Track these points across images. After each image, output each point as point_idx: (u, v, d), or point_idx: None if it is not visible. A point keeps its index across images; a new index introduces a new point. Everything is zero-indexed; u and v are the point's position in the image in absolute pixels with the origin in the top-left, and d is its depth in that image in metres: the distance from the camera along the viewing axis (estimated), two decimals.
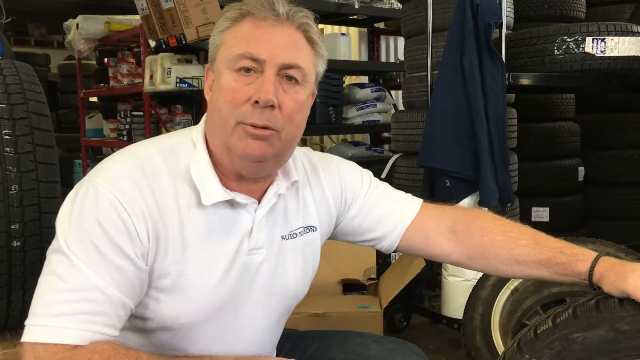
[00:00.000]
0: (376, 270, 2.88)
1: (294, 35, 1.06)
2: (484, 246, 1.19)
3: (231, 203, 1.08)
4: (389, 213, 1.25)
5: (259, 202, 1.12)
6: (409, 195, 1.31)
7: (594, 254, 1.07)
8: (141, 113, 5.20)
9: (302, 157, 1.24)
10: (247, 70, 1.02)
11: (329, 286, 2.78)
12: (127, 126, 5.36)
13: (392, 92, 5.96)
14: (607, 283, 1.01)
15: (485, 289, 2.01)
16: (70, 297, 0.93)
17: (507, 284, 2.00)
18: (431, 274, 3.04)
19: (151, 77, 4.58)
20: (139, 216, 0.99)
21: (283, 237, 1.15)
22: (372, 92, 5.30)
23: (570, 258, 1.09)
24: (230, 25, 1.06)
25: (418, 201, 1.29)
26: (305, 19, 1.07)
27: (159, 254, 1.02)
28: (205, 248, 1.05)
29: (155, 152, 1.06)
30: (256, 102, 1.01)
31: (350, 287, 2.86)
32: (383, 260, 2.99)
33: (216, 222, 1.07)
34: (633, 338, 0.92)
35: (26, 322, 0.94)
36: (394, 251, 1.29)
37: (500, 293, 2.00)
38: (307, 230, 1.19)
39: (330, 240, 3.23)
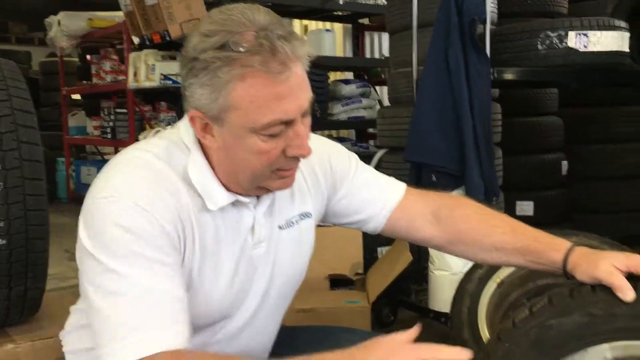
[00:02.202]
0: (363, 265, 2.88)
1: (301, 73, 1.00)
2: (464, 232, 1.22)
3: (234, 204, 1.09)
4: (375, 195, 1.27)
5: (258, 198, 1.13)
6: (393, 179, 1.33)
7: (568, 244, 1.10)
8: (125, 110, 5.17)
9: None
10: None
11: (316, 282, 2.78)
12: (110, 124, 5.33)
13: (377, 88, 5.98)
14: (580, 271, 1.04)
15: (472, 282, 2.03)
16: (138, 307, 0.93)
17: (494, 277, 2.02)
18: (418, 268, 3.05)
19: (135, 74, 4.55)
20: (165, 216, 0.99)
21: (280, 227, 1.16)
22: (357, 88, 5.31)
23: (546, 247, 1.12)
24: (232, 83, 0.96)
25: (403, 185, 1.31)
26: (302, 48, 0.99)
27: (184, 253, 1.03)
28: (216, 250, 1.07)
29: (152, 157, 1.04)
30: (295, 157, 1.02)
31: (337, 282, 2.86)
32: (370, 255, 3.00)
33: (222, 224, 1.08)
34: (605, 322, 0.96)
35: (104, 353, 0.93)
36: (379, 233, 1.30)
37: (487, 286, 2.01)
38: (303, 217, 1.19)
39: (315, 236, 3.22)
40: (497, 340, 1.03)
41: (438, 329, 2.75)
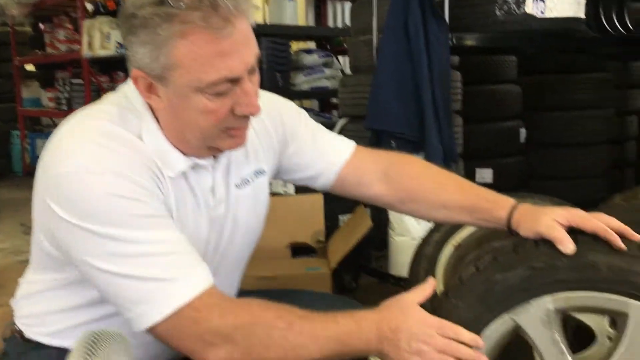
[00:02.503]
0: (325, 233, 2.89)
1: (246, 29, 0.98)
2: (413, 190, 1.23)
3: (192, 167, 1.08)
4: (325, 151, 1.27)
5: (215, 158, 1.12)
6: (344, 137, 1.33)
7: (513, 201, 1.12)
8: (81, 81, 5.04)
9: None
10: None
11: (278, 250, 2.79)
12: (66, 95, 5.19)
13: (340, 57, 5.94)
14: (524, 227, 1.06)
15: (430, 245, 2.06)
16: (159, 261, 0.96)
17: (451, 240, 2.05)
18: (379, 235, 3.09)
19: (89, 42, 4.42)
20: (144, 177, 0.99)
21: (236, 186, 1.16)
22: (319, 57, 5.27)
23: (492, 205, 1.13)
24: (173, 41, 0.93)
25: (353, 143, 1.31)
26: (246, 2, 0.97)
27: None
28: (180, 215, 1.06)
29: (109, 124, 1.02)
30: (245, 115, 1.01)
31: (299, 250, 2.87)
32: (332, 222, 3.01)
33: (183, 188, 1.07)
34: (547, 274, 0.98)
35: (137, 315, 0.96)
36: (329, 190, 1.31)
37: (444, 249, 2.04)
38: (258, 175, 1.19)
39: (276, 205, 3.21)
40: (445, 296, 1.05)
41: (398, 293, 2.80)
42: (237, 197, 1.15)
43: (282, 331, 0.96)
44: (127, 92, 1.07)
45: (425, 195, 1.21)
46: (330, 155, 1.27)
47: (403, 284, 2.61)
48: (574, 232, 0.99)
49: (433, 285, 1.04)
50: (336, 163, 1.26)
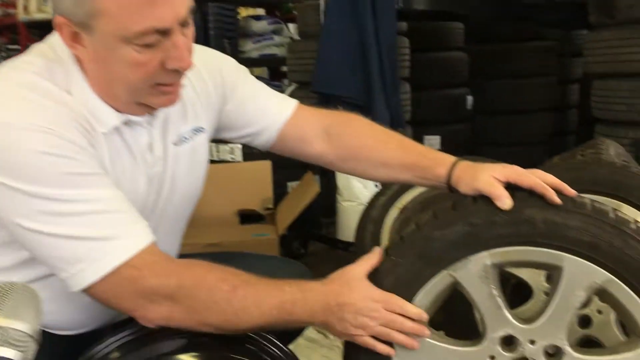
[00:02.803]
0: (273, 199, 2.88)
1: None
2: (354, 148, 1.22)
3: (127, 123, 1.04)
4: (266, 108, 1.25)
5: (151, 114, 1.08)
6: (285, 95, 1.31)
7: (453, 159, 1.12)
8: (18, 47, 4.83)
9: None
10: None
11: (226, 217, 2.76)
12: (2, 61, 4.95)
13: (291, 25, 5.85)
14: (463, 184, 1.06)
15: (376, 208, 2.08)
16: (95, 219, 0.93)
17: (397, 203, 2.07)
18: (328, 202, 3.10)
19: (25, 6, 4.21)
20: (74, 133, 0.95)
21: (174, 144, 1.12)
22: (268, 24, 5.17)
23: (432, 163, 1.13)
24: None
25: (294, 101, 1.29)
26: None
27: None
28: (114, 172, 1.02)
29: (33, 75, 0.97)
30: (175, 70, 0.97)
31: (247, 217, 2.86)
32: (280, 189, 3.00)
33: (118, 144, 1.03)
34: (485, 230, 0.99)
35: (73, 274, 0.92)
36: (270, 149, 1.29)
37: (390, 212, 2.07)
38: (196, 132, 1.16)
39: (224, 172, 3.18)
40: (386, 255, 1.05)
41: (348, 259, 2.82)
42: (175, 155, 1.12)
43: (226, 294, 0.95)
44: (54, 42, 1.01)
45: (366, 153, 1.21)
46: (271, 112, 1.24)
47: (351, 249, 2.64)
48: (511, 188, 1.00)
49: (379, 254, 1.03)
50: (277, 121, 1.24)
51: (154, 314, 0.95)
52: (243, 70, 1.27)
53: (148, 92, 0.99)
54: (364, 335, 0.97)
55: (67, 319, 1.09)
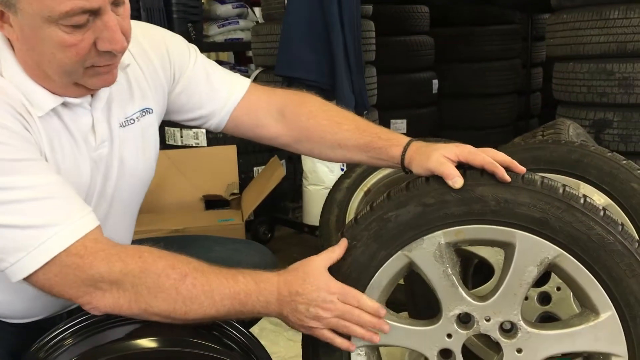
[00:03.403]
0: (239, 185, 2.86)
1: None
2: (309, 130, 1.21)
3: (66, 105, 1.00)
4: (217, 89, 1.22)
5: (93, 95, 1.04)
6: (238, 75, 1.29)
7: (407, 139, 1.13)
8: None
9: None
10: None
11: (190, 203, 2.74)
12: None
13: (256, 10, 5.78)
14: (416, 164, 1.07)
15: (340, 191, 2.08)
16: (36, 205, 0.89)
17: (361, 186, 2.08)
18: (295, 186, 3.09)
19: None
20: (8, 118, 0.91)
21: (121, 125, 1.09)
22: (233, 8, 5.10)
23: (387, 143, 1.13)
24: None
25: (247, 80, 1.27)
26: None
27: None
28: (54, 157, 0.99)
29: None
30: (108, 51, 0.93)
31: (213, 203, 2.83)
32: (246, 175, 2.98)
33: (57, 128, 1.00)
34: (438, 209, 1.00)
35: (13, 263, 0.89)
36: (223, 131, 1.27)
37: (355, 194, 2.07)
38: (144, 114, 1.13)
39: (188, 157, 3.13)
40: (341, 237, 1.05)
41: (314, 242, 2.83)
42: (122, 137, 1.09)
43: (174, 281, 0.92)
44: None
45: (322, 134, 1.20)
46: (222, 93, 1.22)
47: (317, 233, 2.64)
48: (463, 167, 1.01)
49: (344, 246, 1.02)
50: (229, 102, 1.22)
51: (99, 302, 0.92)
52: (193, 49, 1.24)
53: (83, 73, 0.95)
54: (320, 327, 0.97)
55: (18, 308, 1.07)
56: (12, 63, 0.96)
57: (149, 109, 1.14)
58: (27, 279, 0.91)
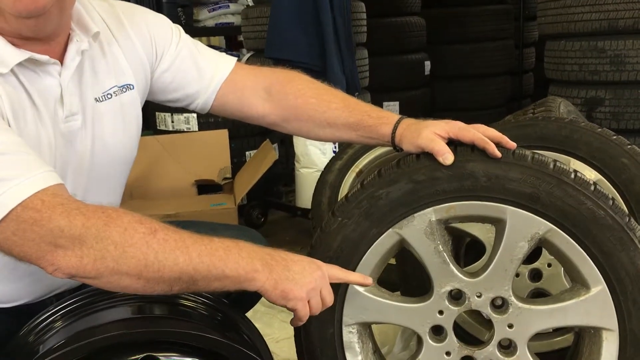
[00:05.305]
0: (231, 169, 2.85)
1: None
2: (297, 108, 1.19)
3: (31, 68, 0.97)
4: (202, 68, 1.20)
5: (61, 63, 1.01)
6: (224, 54, 1.27)
7: (397, 117, 1.12)
8: None
9: (98, 7, 1.12)
10: None
11: (183, 188, 2.73)
12: None
13: None
14: (406, 142, 1.06)
15: (332, 173, 2.07)
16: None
17: (353, 167, 2.07)
18: (287, 170, 3.08)
19: None
20: None
21: (97, 100, 1.07)
22: None
23: (377, 121, 1.12)
24: None
25: (233, 59, 1.25)
26: None
27: None
28: (15, 121, 0.94)
29: None
30: None
31: (205, 188, 2.82)
32: (238, 159, 2.97)
33: (22, 93, 0.96)
34: (428, 186, 1.00)
35: None
36: (209, 112, 1.25)
37: (347, 176, 2.06)
38: (124, 90, 1.11)
39: (180, 142, 3.11)
40: (332, 215, 1.05)
41: (307, 226, 2.83)
42: (98, 111, 1.07)
43: (143, 235, 0.84)
44: None
45: (310, 113, 1.18)
46: (207, 73, 1.20)
47: (310, 215, 2.64)
48: (453, 143, 1.01)
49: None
50: (214, 81, 1.20)
51: (62, 261, 0.83)
52: (176, 28, 1.22)
53: None
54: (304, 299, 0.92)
55: (5, 290, 1.05)
56: None
57: (129, 84, 1.12)
58: None
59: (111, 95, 1.09)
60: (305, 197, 2.69)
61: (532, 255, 1.27)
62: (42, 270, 0.86)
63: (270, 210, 3.02)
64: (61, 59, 1.01)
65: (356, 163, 2.07)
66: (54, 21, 0.97)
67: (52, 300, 1.08)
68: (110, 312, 0.97)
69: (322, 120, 1.17)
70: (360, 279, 1.01)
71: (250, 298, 1.26)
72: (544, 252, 1.35)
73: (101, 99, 1.07)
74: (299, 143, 2.69)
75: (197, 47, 1.22)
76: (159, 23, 1.19)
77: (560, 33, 2.57)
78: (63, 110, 1.01)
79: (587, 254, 0.97)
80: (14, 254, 0.85)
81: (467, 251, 1.51)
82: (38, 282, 1.05)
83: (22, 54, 0.94)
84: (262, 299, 0.98)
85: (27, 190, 0.83)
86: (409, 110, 3.84)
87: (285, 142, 3.06)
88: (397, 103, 3.90)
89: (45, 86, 0.99)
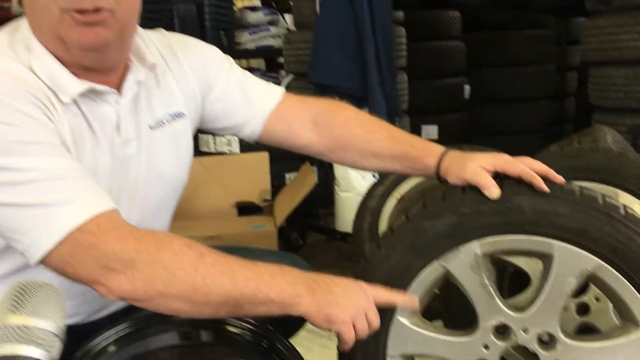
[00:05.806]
0: (271, 191, 2.89)
1: None
2: (343, 138, 1.21)
3: (91, 97, 1.01)
4: (251, 98, 1.23)
5: (119, 92, 1.05)
6: (272, 83, 1.29)
7: (442, 149, 1.12)
8: None
9: (155, 40, 1.16)
10: None
11: (223, 209, 2.77)
12: None
13: (287, 16, 5.83)
14: (451, 174, 1.06)
15: (374, 199, 2.08)
16: (49, 186, 0.87)
17: (394, 193, 2.08)
18: (326, 193, 3.10)
19: (20, 0, 4.19)
20: (27, 105, 0.91)
21: (150, 127, 1.10)
22: (264, 15, 5.15)
23: (422, 153, 1.13)
24: None
25: (281, 89, 1.27)
26: None
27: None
28: (76, 149, 0.99)
29: None
30: None
31: (245, 209, 2.86)
32: (278, 181, 3.00)
33: (82, 121, 1.00)
34: (474, 219, 0.99)
35: (28, 244, 0.87)
36: (257, 140, 1.27)
37: (388, 202, 2.07)
38: (175, 118, 1.14)
39: (221, 164, 3.17)
40: (377, 247, 1.05)
41: (346, 250, 2.84)
42: (152, 138, 1.10)
43: (192, 259, 0.87)
44: (21, 20, 1.00)
45: (355, 143, 1.19)
46: (256, 102, 1.23)
47: (350, 240, 2.65)
48: (499, 177, 1.00)
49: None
50: (263, 111, 1.22)
51: (113, 284, 0.86)
52: (227, 59, 1.25)
53: (61, 20, 0.93)
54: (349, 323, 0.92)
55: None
56: (39, 49, 0.97)
57: (180, 113, 1.15)
58: (43, 261, 0.88)
59: (164, 122, 1.12)
60: (344, 220, 2.70)
61: (580, 288, 1.25)
62: (93, 290, 0.90)
63: (308, 233, 3.04)
64: (119, 88, 1.05)
65: (397, 189, 2.08)
66: (115, 54, 1.02)
67: (105, 322, 1.12)
68: (161, 337, 1.00)
69: (367, 150, 1.19)
70: (406, 300, 1.01)
71: (294, 323, 1.28)
72: (592, 285, 1.33)
73: (155, 127, 1.11)
74: (338, 167, 2.71)
75: (246, 77, 1.25)
76: (210, 54, 1.22)
77: (605, 60, 2.54)
78: (119, 137, 1.05)
79: (638, 292, 0.95)
80: (68, 274, 0.89)
81: (511, 281, 1.49)
82: (91, 301, 1.08)
83: (83, 84, 0.99)
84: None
85: (84, 214, 0.87)
86: (447, 133, 3.83)
87: (324, 165, 3.08)
88: (435, 127, 3.90)
89: (103, 113, 1.03)
